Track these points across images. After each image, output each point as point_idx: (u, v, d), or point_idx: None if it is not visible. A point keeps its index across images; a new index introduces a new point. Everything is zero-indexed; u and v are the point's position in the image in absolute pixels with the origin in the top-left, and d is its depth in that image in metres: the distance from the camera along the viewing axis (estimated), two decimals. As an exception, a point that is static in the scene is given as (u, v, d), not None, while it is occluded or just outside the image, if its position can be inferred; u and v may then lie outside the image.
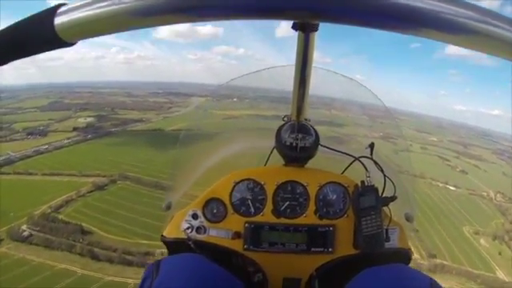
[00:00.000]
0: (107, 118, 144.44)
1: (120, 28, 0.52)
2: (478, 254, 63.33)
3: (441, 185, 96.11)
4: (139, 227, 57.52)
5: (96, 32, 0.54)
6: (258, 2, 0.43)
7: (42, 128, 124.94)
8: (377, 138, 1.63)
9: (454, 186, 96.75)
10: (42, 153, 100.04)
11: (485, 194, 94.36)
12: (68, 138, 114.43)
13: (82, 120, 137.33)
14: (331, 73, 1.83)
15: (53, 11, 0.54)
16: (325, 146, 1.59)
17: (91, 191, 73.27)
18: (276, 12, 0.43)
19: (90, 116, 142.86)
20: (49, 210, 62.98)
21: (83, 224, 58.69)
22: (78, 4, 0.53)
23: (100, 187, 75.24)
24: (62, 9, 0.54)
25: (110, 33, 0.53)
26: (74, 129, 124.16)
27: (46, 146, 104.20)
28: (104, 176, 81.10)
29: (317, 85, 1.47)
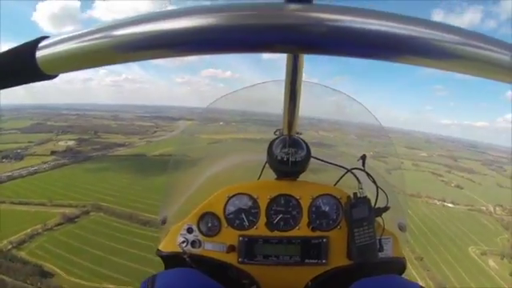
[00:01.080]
0: (89, 141, 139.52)
1: (104, 62, 0.51)
2: (489, 278, 60.52)
3: (438, 203, 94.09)
4: (109, 269, 52.24)
5: (78, 66, 0.54)
6: (246, 37, 0.42)
7: (19, 151, 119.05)
8: (368, 158, 1.57)
9: (452, 203, 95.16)
10: (14, 178, 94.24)
11: (484, 208, 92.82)
12: (44, 163, 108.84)
13: (63, 143, 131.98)
14: (321, 87, 1.93)
15: (34, 44, 0.54)
16: (317, 158, 1.63)
17: (60, 224, 67.39)
18: (264, 46, 0.43)
19: (71, 139, 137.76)
20: (9, 246, 57.12)
21: (45, 264, 52.89)
22: (61, 37, 0.52)
23: (70, 219, 69.43)
24: (44, 42, 0.54)
25: (92, 67, 0.53)
26: (52, 152, 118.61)
27: (20, 171, 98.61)
28: (76, 206, 75.43)
29: (307, 99, 1.49)
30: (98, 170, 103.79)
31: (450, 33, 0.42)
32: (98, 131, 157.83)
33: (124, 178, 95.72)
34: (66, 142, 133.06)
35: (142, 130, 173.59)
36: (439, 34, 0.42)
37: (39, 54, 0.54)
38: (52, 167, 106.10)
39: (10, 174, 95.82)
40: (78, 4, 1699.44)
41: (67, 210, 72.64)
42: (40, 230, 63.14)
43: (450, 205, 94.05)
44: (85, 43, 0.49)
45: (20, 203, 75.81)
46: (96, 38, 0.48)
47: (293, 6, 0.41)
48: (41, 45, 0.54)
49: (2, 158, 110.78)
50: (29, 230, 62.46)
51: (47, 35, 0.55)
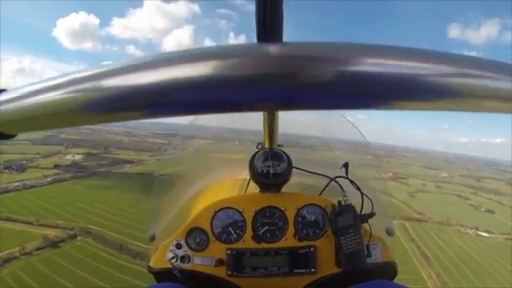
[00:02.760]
0: (97, 156, 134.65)
1: (73, 124, 0.43)
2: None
3: (471, 232, 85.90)
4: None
5: (41, 127, 0.45)
6: (224, 97, 0.35)
7: (24, 162, 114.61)
8: (355, 166, 1.62)
9: (486, 232, 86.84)
10: (9, 191, 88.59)
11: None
12: (45, 177, 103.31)
13: (70, 157, 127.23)
14: None
15: None
16: (299, 169, 1.65)
17: (41, 248, 59.62)
18: (242, 106, 0.36)
19: (79, 153, 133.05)
20: (-21, 270, 49.50)
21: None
22: (22, 92, 0.44)
23: (53, 244, 61.63)
24: (2, 97, 0.46)
25: (62, 127, 0.45)
26: (56, 166, 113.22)
27: (17, 184, 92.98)
28: (64, 228, 68.01)
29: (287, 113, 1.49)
30: (99, 188, 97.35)
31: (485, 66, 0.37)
32: (109, 146, 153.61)
33: (124, 198, 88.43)
34: (73, 156, 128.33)
35: (154, 147, 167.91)
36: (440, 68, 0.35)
37: None
38: (51, 182, 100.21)
39: (6, 185, 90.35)
40: (97, 21, 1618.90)
41: (53, 232, 65.56)
42: (17, 254, 55.92)
43: (484, 234, 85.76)
44: (53, 101, 0.40)
45: (7, 219, 69.29)
46: (67, 93, 0.39)
47: (262, 48, 0.36)
48: None
49: (5, 168, 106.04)
50: (6, 253, 55.41)
51: (4, 88, 0.48)
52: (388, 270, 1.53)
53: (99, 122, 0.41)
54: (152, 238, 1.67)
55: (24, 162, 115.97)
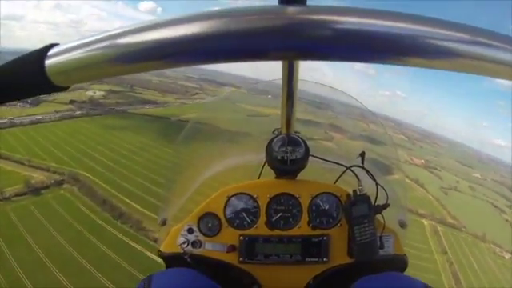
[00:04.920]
0: (120, 94, 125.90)
1: (116, 74, 0.48)
2: None
3: (507, 256, 71.64)
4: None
5: (92, 76, 0.49)
6: (240, 45, 0.40)
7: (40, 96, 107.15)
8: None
9: None
10: (13, 125, 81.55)
11: None
12: (57, 112, 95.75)
13: (91, 93, 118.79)
14: (319, 86, 2.00)
15: (43, 52, 0.50)
16: (316, 157, 1.63)
17: (21, 194, 51.47)
18: (259, 55, 0.41)
19: (101, 90, 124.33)
20: None
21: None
22: (71, 45, 0.48)
23: (36, 190, 53.09)
24: (54, 50, 0.50)
25: (106, 78, 0.49)
26: (71, 102, 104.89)
27: (23, 118, 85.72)
28: (54, 172, 59.34)
29: (305, 98, 1.60)
30: (112, 128, 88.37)
31: (456, 31, 0.41)
32: (135, 85, 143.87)
33: (129, 142, 78.95)
34: (94, 93, 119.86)
35: (182, 89, 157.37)
36: (443, 32, 0.40)
37: (48, 63, 0.49)
38: (60, 118, 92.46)
39: (11, 119, 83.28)
40: None
41: (41, 176, 57.30)
42: (-5, 198, 48.46)
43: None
44: (100, 51, 0.45)
45: (0, 157, 61.89)
46: (111, 46, 0.44)
47: (287, 9, 0.39)
48: (50, 53, 0.50)
49: (19, 101, 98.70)
50: (-16, 196, 48.05)
51: (56, 42, 0.51)
52: (399, 263, 1.52)
53: (137, 71, 0.46)
54: (163, 223, 1.64)
55: (42, 95, 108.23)
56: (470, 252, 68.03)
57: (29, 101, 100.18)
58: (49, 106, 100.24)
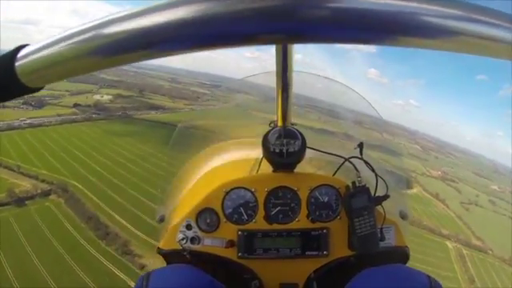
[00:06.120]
0: (127, 99, 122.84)
1: (92, 69, 0.46)
2: None
3: None
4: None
5: (63, 75, 0.48)
6: (230, 30, 0.38)
7: (45, 99, 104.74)
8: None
9: None
10: (12, 128, 78.68)
11: None
12: (59, 115, 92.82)
13: (98, 97, 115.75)
14: (315, 76, 1.99)
15: (13, 54, 0.49)
16: (313, 149, 1.60)
17: (4, 204, 47.27)
18: (249, 39, 0.39)
19: (109, 94, 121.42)
20: None
21: None
22: (41, 45, 0.47)
23: (19, 200, 48.62)
24: (23, 51, 0.49)
25: (80, 74, 0.48)
26: (75, 105, 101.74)
27: (23, 121, 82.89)
28: (43, 181, 55.05)
29: (300, 89, 1.56)
30: (110, 134, 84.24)
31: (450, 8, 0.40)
32: (145, 90, 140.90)
33: (133, 150, 74.59)
34: (101, 97, 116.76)
35: (193, 95, 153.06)
36: (438, 10, 0.39)
37: (19, 65, 0.49)
38: (61, 122, 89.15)
39: (10, 122, 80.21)
40: None
41: (28, 185, 53.04)
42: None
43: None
44: (71, 48, 0.44)
45: None
46: (84, 41, 0.43)
47: None
48: (20, 55, 0.49)
49: (22, 103, 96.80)
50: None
51: (26, 43, 0.50)
52: (400, 255, 1.52)
53: (116, 65, 0.44)
54: (161, 220, 1.65)
55: (47, 98, 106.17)
56: (499, 280, 64.12)
57: (32, 103, 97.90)
58: (53, 110, 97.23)
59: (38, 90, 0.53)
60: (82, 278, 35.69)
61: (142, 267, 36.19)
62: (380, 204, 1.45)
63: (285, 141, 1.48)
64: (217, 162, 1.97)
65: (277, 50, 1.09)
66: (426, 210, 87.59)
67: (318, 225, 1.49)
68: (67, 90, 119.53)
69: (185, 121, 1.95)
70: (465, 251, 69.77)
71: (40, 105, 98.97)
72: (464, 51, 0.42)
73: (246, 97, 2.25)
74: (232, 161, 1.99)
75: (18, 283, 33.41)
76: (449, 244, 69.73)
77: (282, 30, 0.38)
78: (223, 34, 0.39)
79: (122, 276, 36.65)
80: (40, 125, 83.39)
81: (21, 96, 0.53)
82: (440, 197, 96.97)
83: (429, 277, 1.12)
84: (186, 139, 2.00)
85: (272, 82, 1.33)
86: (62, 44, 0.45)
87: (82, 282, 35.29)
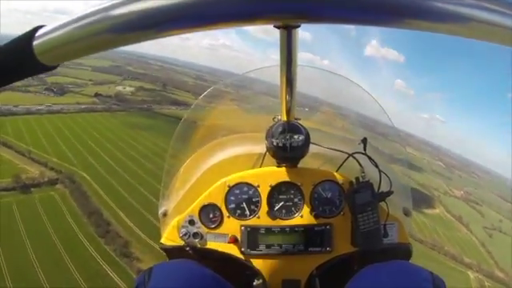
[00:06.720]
0: (149, 92, 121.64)
1: (104, 47, 0.49)
2: None
3: None
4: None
5: (79, 53, 0.52)
6: (235, 8, 0.40)
7: (67, 86, 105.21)
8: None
9: None
10: (31, 113, 78.11)
11: None
12: (79, 104, 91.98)
13: (120, 88, 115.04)
14: (319, 71, 1.99)
15: (31, 35, 0.52)
16: (316, 144, 1.59)
17: (9, 189, 46.00)
18: (254, 17, 0.40)
19: (131, 86, 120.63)
20: None
21: None
22: (57, 25, 0.51)
23: (25, 188, 47.18)
24: (41, 31, 0.52)
25: (93, 52, 0.51)
26: (96, 95, 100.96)
27: (41, 107, 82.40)
28: (52, 169, 53.37)
29: (304, 84, 1.56)
30: (128, 126, 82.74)
31: None
32: (168, 84, 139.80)
33: (148, 145, 72.24)
34: (123, 88, 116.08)
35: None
36: None
37: (37, 44, 0.51)
38: (80, 110, 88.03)
39: (29, 107, 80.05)
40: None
41: (36, 171, 51.59)
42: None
43: None
44: (84, 28, 0.47)
45: (3, 144, 57.82)
46: (96, 21, 0.46)
47: None
48: (38, 34, 0.52)
49: (45, 89, 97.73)
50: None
51: (44, 24, 0.53)
52: (403, 252, 1.52)
53: (128, 43, 0.47)
54: (164, 215, 1.64)
55: (69, 86, 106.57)
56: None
57: (54, 89, 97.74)
58: (73, 98, 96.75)
59: (54, 68, 0.56)
60: (74, 276, 33.49)
61: (138, 272, 32.86)
62: (384, 200, 1.45)
63: (288, 135, 1.47)
64: (220, 156, 1.88)
65: (281, 41, 1.05)
66: (449, 234, 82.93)
67: (321, 221, 1.48)
68: (90, 80, 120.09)
69: (188, 115, 1.89)
70: (487, 283, 65.74)
71: (61, 92, 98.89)
72: (474, 37, 0.42)
73: (250, 91, 2.16)
74: (235, 155, 1.89)
75: (9, 276, 31.67)
76: (470, 274, 65.68)
77: (288, 8, 0.38)
78: (230, 12, 0.40)
79: (116, 279, 34.03)
80: (58, 112, 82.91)
81: (38, 74, 0.57)
82: (463, 220, 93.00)
83: (431, 273, 1.13)
84: (189, 133, 1.92)
85: (276, 76, 1.29)
86: (77, 24, 0.47)
87: (74, 280, 33.11)
